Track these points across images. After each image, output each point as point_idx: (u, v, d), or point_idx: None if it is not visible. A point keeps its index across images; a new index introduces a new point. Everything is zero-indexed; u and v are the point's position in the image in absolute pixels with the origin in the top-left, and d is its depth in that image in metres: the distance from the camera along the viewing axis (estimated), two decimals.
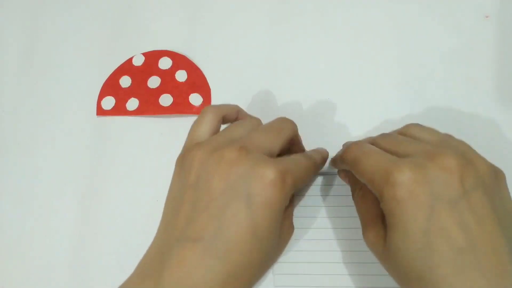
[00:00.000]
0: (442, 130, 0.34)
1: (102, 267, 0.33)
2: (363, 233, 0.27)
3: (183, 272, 0.23)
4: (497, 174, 0.25)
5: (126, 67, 0.38)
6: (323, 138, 0.35)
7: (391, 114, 0.35)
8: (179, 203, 0.25)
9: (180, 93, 0.37)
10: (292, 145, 0.30)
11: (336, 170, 0.33)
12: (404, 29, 0.37)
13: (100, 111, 0.37)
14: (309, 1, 0.39)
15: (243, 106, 0.36)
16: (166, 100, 0.37)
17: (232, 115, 0.30)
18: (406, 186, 0.22)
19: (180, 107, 0.36)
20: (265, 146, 0.26)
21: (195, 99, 0.37)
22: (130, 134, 0.36)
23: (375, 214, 0.27)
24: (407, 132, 0.28)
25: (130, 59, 0.38)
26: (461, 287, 0.21)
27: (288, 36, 0.38)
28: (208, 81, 0.37)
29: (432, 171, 0.23)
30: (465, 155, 0.24)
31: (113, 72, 0.38)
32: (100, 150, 0.36)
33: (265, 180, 0.23)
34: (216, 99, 0.37)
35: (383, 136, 0.28)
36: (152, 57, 0.38)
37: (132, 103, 0.37)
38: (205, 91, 0.37)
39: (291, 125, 0.29)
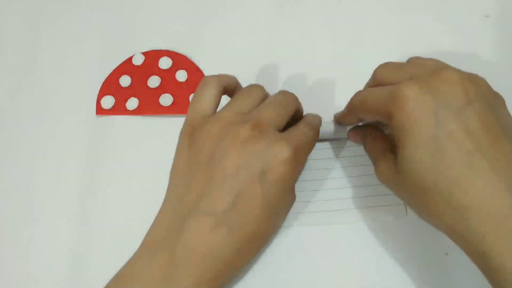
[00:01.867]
0: None
1: (102, 267, 0.32)
2: (375, 169, 0.28)
3: (196, 243, 0.24)
4: (496, 94, 0.26)
5: (126, 67, 0.38)
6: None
7: None
8: (191, 178, 0.26)
9: (180, 93, 0.37)
10: (295, 114, 0.30)
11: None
12: (404, 29, 0.37)
13: (100, 110, 0.37)
14: (309, 1, 0.39)
15: None
16: (166, 100, 0.37)
17: (232, 86, 0.30)
18: (413, 98, 0.23)
19: (180, 107, 0.36)
20: (275, 122, 0.27)
21: None
22: (130, 133, 0.36)
23: (384, 148, 0.28)
24: (410, 61, 0.29)
25: (130, 59, 0.38)
26: (473, 187, 0.22)
27: (289, 36, 0.38)
28: None
29: (436, 84, 0.24)
30: (464, 72, 0.25)
31: (112, 71, 0.38)
32: (99, 150, 0.36)
33: (279, 157, 0.25)
34: None
35: (385, 64, 0.29)
36: (152, 56, 0.38)
37: (132, 103, 0.37)
38: None
39: (295, 99, 0.30)
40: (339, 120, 0.32)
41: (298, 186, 0.30)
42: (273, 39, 0.38)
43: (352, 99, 0.29)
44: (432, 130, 0.23)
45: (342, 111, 0.31)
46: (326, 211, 0.32)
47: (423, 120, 0.23)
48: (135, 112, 0.37)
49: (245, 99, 0.28)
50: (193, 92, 0.37)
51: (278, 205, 0.26)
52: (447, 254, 0.30)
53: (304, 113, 0.32)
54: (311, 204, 0.32)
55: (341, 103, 0.35)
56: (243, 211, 0.25)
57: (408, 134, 0.23)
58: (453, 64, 0.36)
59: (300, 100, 0.36)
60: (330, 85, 0.36)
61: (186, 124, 0.28)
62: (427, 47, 0.37)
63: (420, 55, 0.36)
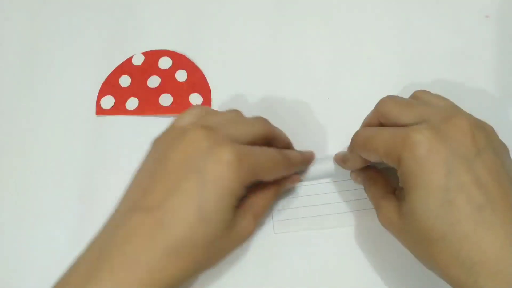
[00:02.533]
0: None
1: None
2: (378, 213, 0.27)
3: (127, 241, 0.23)
4: (502, 143, 0.26)
5: (126, 67, 0.38)
6: (322, 137, 0.35)
7: None
8: (141, 177, 0.26)
9: (180, 93, 0.37)
10: (273, 140, 0.30)
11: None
12: (404, 29, 0.37)
13: (100, 111, 0.37)
14: (309, 1, 0.39)
15: (243, 106, 0.36)
16: (166, 99, 0.37)
17: None
18: (425, 144, 0.23)
19: (180, 107, 0.36)
20: (231, 133, 0.26)
21: (195, 99, 0.37)
22: (130, 133, 0.36)
23: (387, 192, 0.27)
24: (416, 97, 0.28)
25: (130, 59, 0.38)
26: (483, 242, 0.21)
27: (288, 36, 0.38)
28: (208, 81, 0.37)
29: (448, 131, 0.23)
30: (474, 118, 0.25)
31: (112, 71, 0.38)
32: (99, 149, 0.36)
33: (220, 158, 0.24)
34: (216, 99, 0.37)
35: (390, 99, 0.27)
36: (152, 56, 0.38)
37: (132, 103, 0.37)
38: (205, 91, 0.37)
39: (264, 124, 0.29)
40: (342, 161, 0.31)
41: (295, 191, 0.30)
42: (273, 39, 0.38)
43: (355, 138, 0.28)
44: (443, 180, 0.22)
45: (343, 153, 0.31)
46: (321, 215, 0.32)
47: (434, 168, 0.22)
48: (135, 112, 0.37)
49: (215, 114, 0.28)
50: (193, 92, 0.37)
51: (216, 212, 0.24)
52: None
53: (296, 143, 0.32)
54: (305, 209, 0.32)
55: (341, 102, 0.36)
56: (177, 209, 0.23)
57: (417, 180, 0.23)
58: (453, 64, 0.36)
59: (298, 96, 0.36)
60: (330, 85, 0.36)
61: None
62: (427, 48, 0.37)
63: (420, 55, 0.36)
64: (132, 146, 0.36)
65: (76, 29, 0.40)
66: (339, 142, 0.34)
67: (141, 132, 0.36)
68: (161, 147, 0.26)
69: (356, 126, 0.35)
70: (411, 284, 0.30)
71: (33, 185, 0.35)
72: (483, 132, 0.24)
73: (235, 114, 0.29)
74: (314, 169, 0.32)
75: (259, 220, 0.28)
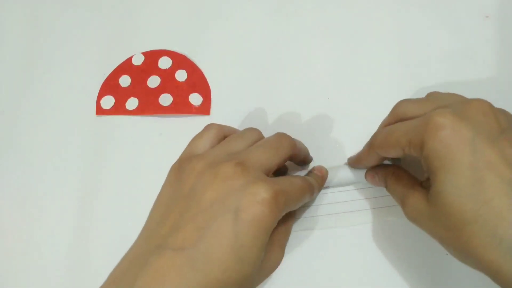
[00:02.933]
0: None
1: (102, 267, 0.32)
2: (404, 208, 0.26)
3: (158, 282, 0.22)
4: None
5: (126, 67, 0.38)
6: (322, 137, 0.35)
7: None
8: (167, 211, 0.25)
9: (180, 92, 0.37)
10: (293, 158, 0.30)
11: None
12: (404, 29, 0.37)
13: (100, 111, 0.37)
14: (309, 2, 0.39)
15: (243, 106, 0.36)
16: (166, 99, 0.37)
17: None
18: (448, 125, 0.22)
19: (180, 106, 0.36)
20: (262, 163, 0.26)
21: (195, 99, 0.36)
22: (130, 133, 0.36)
23: (412, 184, 0.27)
24: (430, 95, 0.28)
25: (130, 59, 0.38)
26: None
27: (289, 36, 0.38)
28: (208, 81, 0.37)
29: (470, 112, 0.23)
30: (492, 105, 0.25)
31: (112, 71, 0.38)
32: (99, 150, 0.36)
33: (257, 197, 0.23)
34: (216, 99, 0.37)
35: (405, 100, 0.28)
36: (152, 56, 0.38)
37: (132, 103, 0.37)
38: (205, 91, 0.37)
39: (289, 142, 0.28)
40: (357, 161, 0.31)
41: None
42: (273, 39, 0.38)
43: (374, 137, 0.28)
44: (470, 158, 0.22)
45: (358, 153, 0.31)
46: (328, 214, 0.32)
47: (460, 147, 0.22)
48: (135, 112, 0.37)
49: (237, 140, 0.28)
50: (193, 92, 0.37)
51: (252, 251, 0.23)
52: (447, 254, 0.30)
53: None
54: (312, 208, 0.32)
55: (341, 102, 0.36)
56: (212, 250, 0.22)
57: (445, 161, 0.22)
58: (453, 64, 0.36)
59: (298, 96, 0.36)
60: (330, 85, 0.36)
61: (177, 160, 0.27)
62: (427, 48, 0.37)
63: (420, 55, 0.36)
64: (132, 146, 0.36)
65: (76, 29, 0.40)
66: (338, 141, 0.34)
67: (141, 132, 0.36)
68: (188, 181, 0.25)
69: (356, 126, 0.35)
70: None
71: (33, 185, 0.35)
72: (504, 113, 0.24)
73: (257, 135, 0.28)
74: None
75: (285, 248, 0.28)
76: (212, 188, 0.24)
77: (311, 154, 0.33)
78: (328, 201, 0.32)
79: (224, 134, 0.29)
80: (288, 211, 0.25)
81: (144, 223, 0.26)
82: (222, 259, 0.22)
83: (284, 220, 0.28)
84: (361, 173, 0.31)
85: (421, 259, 0.31)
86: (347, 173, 0.32)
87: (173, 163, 0.27)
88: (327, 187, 0.32)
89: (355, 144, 0.34)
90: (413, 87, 0.36)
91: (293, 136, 0.29)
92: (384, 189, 0.30)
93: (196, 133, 0.36)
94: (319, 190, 0.31)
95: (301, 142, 0.31)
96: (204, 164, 0.25)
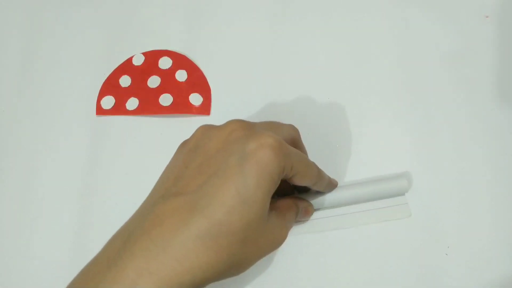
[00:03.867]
0: (442, 130, 0.34)
1: None
2: None
3: (156, 225, 0.22)
4: None
5: (126, 67, 0.38)
6: (322, 138, 0.35)
7: (391, 114, 0.35)
8: (173, 168, 0.25)
9: (180, 93, 0.37)
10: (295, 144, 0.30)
11: None
12: (404, 30, 0.37)
13: (100, 111, 0.37)
14: (309, 2, 0.39)
15: (243, 106, 0.36)
16: (166, 99, 0.37)
17: None
18: None
19: (180, 107, 0.36)
20: (266, 128, 0.26)
21: (195, 99, 0.37)
22: (130, 133, 0.36)
23: None
24: None
25: (130, 59, 0.38)
26: None
27: (289, 36, 0.38)
28: (208, 81, 0.37)
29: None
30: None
31: (112, 72, 0.38)
32: (99, 150, 0.36)
33: (262, 142, 0.23)
34: (216, 99, 0.37)
35: None
36: (152, 56, 0.38)
37: (132, 103, 0.37)
38: (205, 91, 0.37)
39: (293, 127, 0.29)
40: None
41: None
42: (273, 39, 0.38)
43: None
44: None
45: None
46: (330, 216, 0.32)
47: None
48: (135, 112, 0.37)
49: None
50: (193, 92, 0.37)
51: (256, 195, 0.23)
52: (446, 255, 0.31)
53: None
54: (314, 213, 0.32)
55: (341, 101, 0.36)
56: (212, 192, 0.22)
57: None
58: (453, 65, 0.36)
59: (298, 95, 0.36)
60: (330, 84, 0.36)
61: None
62: (427, 48, 0.37)
63: (420, 56, 0.36)
64: (132, 146, 0.36)
65: (76, 29, 0.40)
66: (338, 142, 0.34)
67: (141, 132, 0.36)
68: (193, 140, 0.26)
69: (356, 126, 0.35)
70: None
71: (33, 185, 0.35)
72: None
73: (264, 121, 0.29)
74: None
75: (289, 228, 0.27)
76: (218, 139, 0.24)
77: (311, 152, 0.33)
78: (328, 203, 0.32)
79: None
80: (292, 176, 0.25)
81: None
82: (225, 201, 0.22)
83: (288, 206, 0.28)
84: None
85: (421, 259, 0.31)
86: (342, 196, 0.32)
87: None
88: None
89: (355, 144, 0.34)
90: (412, 87, 0.36)
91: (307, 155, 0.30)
92: (384, 191, 0.30)
93: None
94: (325, 188, 0.30)
95: (305, 148, 0.31)
96: (208, 125, 0.26)
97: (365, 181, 0.32)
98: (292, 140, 0.28)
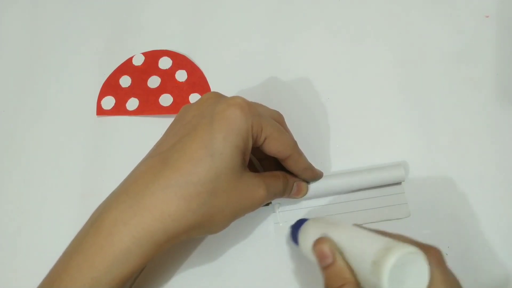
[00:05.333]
0: (442, 130, 0.34)
1: None
2: None
3: (132, 182, 0.25)
4: None
5: (126, 67, 0.38)
6: (322, 138, 0.35)
7: (391, 113, 0.35)
8: (161, 140, 0.27)
9: (180, 93, 0.37)
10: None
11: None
12: (404, 29, 0.37)
13: (100, 111, 0.37)
14: (309, 2, 0.39)
15: None
16: (166, 100, 0.37)
17: None
18: None
19: (180, 107, 0.36)
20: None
21: (195, 99, 0.37)
22: (130, 133, 0.36)
23: None
24: None
25: (130, 59, 0.38)
26: None
27: (288, 36, 0.38)
28: (208, 81, 0.37)
29: None
30: None
31: (113, 72, 0.38)
32: (100, 150, 0.36)
33: (230, 102, 0.25)
34: None
35: None
36: (152, 57, 0.38)
37: (132, 103, 0.37)
38: (205, 91, 0.37)
39: (277, 112, 0.30)
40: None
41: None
42: (272, 39, 0.38)
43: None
44: None
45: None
46: (330, 215, 0.32)
47: None
48: (135, 112, 0.37)
49: None
50: (193, 92, 0.37)
51: (223, 147, 0.24)
52: (447, 254, 0.31)
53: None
54: (314, 210, 0.32)
55: (341, 102, 0.36)
56: (183, 149, 0.24)
57: None
58: (453, 64, 0.36)
59: (298, 96, 0.36)
60: (330, 84, 0.36)
61: None
62: (427, 48, 0.37)
63: (421, 55, 0.36)
64: (132, 146, 0.36)
65: (76, 30, 0.40)
66: (338, 142, 0.34)
67: (141, 132, 0.36)
68: (176, 117, 0.28)
69: (356, 126, 0.35)
70: None
71: (34, 185, 0.35)
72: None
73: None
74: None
75: (270, 192, 0.27)
76: (195, 108, 0.26)
77: (311, 154, 0.33)
78: (329, 202, 0.32)
79: None
80: (264, 134, 0.26)
81: None
82: (193, 154, 0.24)
83: (272, 173, 0.29)
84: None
85: None
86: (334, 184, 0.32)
87: None
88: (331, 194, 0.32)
89: (355, 142, 0.34)
90: (412, 87, 0.36)
91: (293, 137, 0.29)
92: (385, 189, 0.30)
93: None
94: (307, 177, 0.30)
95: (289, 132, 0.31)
96: (194, 104, 0.27)
97: (363, 169, 0.32)
98: (276, 119, 0.29)
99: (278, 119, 0.29)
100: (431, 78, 0.36)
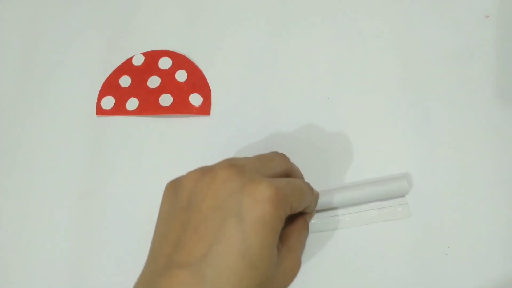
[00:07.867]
0: (443, 130, 0.34)
1: (101, 267, 0.33)
2: None
3: None
4: None
5: (126, 67, 0.38)
6: (322, 138, 0.35)
7: (391, 114, 0.35)
8: (168, 228, 0.24)
9: (180, 93, 0.37)
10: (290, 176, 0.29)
11: None
12: (404, 30, 0.37)
13: (100, 111, 0.37)
14: (309, 2, 0.39)
15: (243, 106, 0.36)
16: (166, 100, 0.37)
17: None
18: None
19: (180, 107, 0.36)
20: (257, 168, 0.25)
21: (195, 99, 0.37)
22: (130, 134, 0.36)
23: None
24: None
25: (130, 59, 0.38)
26: None
27: (289, 36, 0.38)
28: (208, 81, 0.37)
29: None
30: None
31: (112, 72, 0.38)
32: (99, 150, 0.36)
33: (257, 196, 0.22)
34: (216, 99, 0.37)
35: None
36: (152, 57, 0.38)
37: (132, 103, 0.37)
38: (205, 91, 0.37)
39: (284, 158, 0.28)
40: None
41: None
42: (273, 39, 0.38)
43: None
44: None
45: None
46: (330, 216, 0.32)
47: None
48: (135, 112, 0.37)
49: (234, 157, 0.27)
50: (193, 92, 0.37)
51: (263, 254, 0.22)
52: (447, 255, 0.31)
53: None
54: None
55: (341, 102, 0.36)
56: (218, 260, 0.21)
57: None
58: (453, 64, 0.36)
59: (298, 96, 0.36)
60: (330, 85, 0.36)
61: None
62: (427, 48, 0.37)
63: (421, 55, 0.36)
64: (132, 146, 0.36)
65: (76, 29, 0.40)
66: (338, 142, 0.34)
67: (141, 132, 0.36)
68: (185, 192, 0.24)
69: (356, 126, 0.35)
70: None
71: (33, 185, 0.35)
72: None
73: (255, 155, 0.28)
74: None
75: (300, 254, 0.27)
76: (211, 194, 0.23)
77: (311, 153, 0.33)
78: (329, 205, 0.32)
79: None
80: (292, 210, 0.25)
81: (150, 244, 0.25)
82: (233, 267, 0.21)
83: (295, 224, 0.28)
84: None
85: (420, 259, 0.31)
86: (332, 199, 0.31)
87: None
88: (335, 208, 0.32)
89: (355, 144, 0.34)
90: (412, 87, 0.36)
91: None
92: (385, 192, 0.30)
93: (196, 133, 0.36)
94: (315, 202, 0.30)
95: (298, 168, 0.30)
96: (198, 172, 0.24)
97: (366, 183, 0.32)
98: (285, 172, 0.28)
99: (286, 168, 0.28)
100: (431, 78, 0.36)
